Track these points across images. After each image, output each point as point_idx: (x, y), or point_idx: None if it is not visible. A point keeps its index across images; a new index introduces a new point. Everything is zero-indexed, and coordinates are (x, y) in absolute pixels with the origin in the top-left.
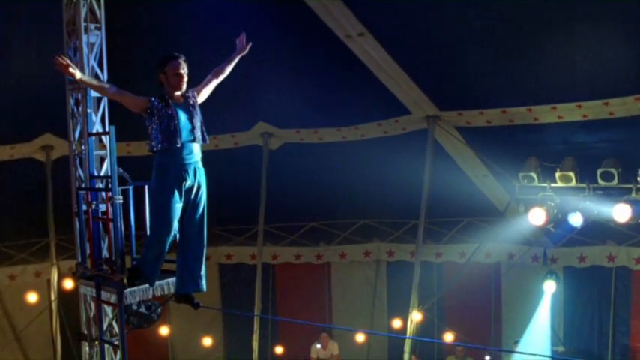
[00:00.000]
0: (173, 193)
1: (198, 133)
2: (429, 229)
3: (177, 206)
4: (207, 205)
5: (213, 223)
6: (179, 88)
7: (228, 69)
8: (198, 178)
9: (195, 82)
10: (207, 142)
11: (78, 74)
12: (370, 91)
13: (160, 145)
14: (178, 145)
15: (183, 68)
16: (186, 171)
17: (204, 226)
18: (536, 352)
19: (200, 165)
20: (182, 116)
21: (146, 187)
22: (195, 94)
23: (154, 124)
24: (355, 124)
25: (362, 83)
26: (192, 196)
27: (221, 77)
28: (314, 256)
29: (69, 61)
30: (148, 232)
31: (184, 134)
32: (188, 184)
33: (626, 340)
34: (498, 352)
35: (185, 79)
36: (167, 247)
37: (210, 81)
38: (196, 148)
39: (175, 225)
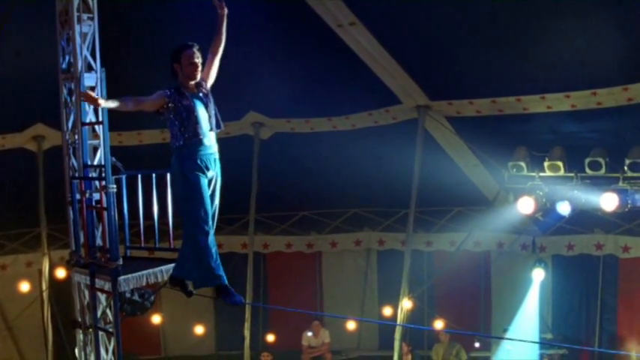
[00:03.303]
0: (200, 183)
1: (214, 121)
2: (419, 218)
3: (207, 195)
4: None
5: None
6: (194, 78)
7: (222, 38)
8: (216, 169)
9: None
10: (222, 128)
11: (102, 102)
12: (361, 80)
13: (182, 140)
14: (200, 137)
15: (197, 57)
16: (208, 160)
17: (216, 217)
18: (524, 339)
19: (217, 155)
20: (199, 106)
21: (139, 175)
22: (204, 80)
23: (174, 118)
24: (346, 113)
25: (353, 73)
26: (211, 187)
27: (220, 51)
28: (305, 245)
29: (92, 93)
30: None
31: (203, 124)
32: (210, 174)
33: (613, 327)
34: (488, 339)
35: (199, 68)
36: (212, 235)
37: (212, 61)
38: (214, 137)
39: (209, 215)
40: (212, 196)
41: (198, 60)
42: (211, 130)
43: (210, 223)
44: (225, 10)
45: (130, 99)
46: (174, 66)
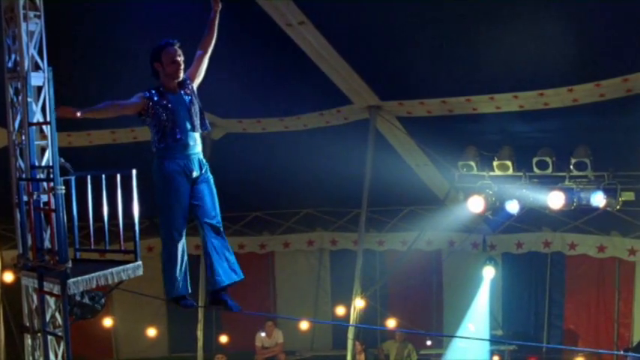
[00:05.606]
0: (179, 190)
1: (197, 122)
2: (371, 217)
3: (186, 203)
4: (216, 193)
5: (156, 214)
6: (176, 77)
7: (214, 35)
8: (203, 169)
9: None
10: (209, 129)
11: (79, 114)
12: (312, 80)
13: (163, 142)
14: (178, 137)
15: (179, 55)
16: (191, 162)
17: (218, 213)
18: (475, 336)
19: (202, 156)
20: (181, 106)
21: (89, 177)
22: (190, 79)
23: (154, 120)
24: (297, 113)
25: (304, 72)
26: (200, 186)
27: (210, 49)
28: (258, 245)
29: (65, 108)
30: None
31: (184, 124)
32: (194, 175)
33: (560, 322)
34: (440, 337)
35: (182, 66)
36: (183, 244)
37: (201, 59)
38: (197, 138)
39: (183, 224)
40: (201, 197)
41: (181, 58)
42: (195, 130)
43: (183, 230)
44: (219, 7)
45: (109, 105)
46: (155, 65)
